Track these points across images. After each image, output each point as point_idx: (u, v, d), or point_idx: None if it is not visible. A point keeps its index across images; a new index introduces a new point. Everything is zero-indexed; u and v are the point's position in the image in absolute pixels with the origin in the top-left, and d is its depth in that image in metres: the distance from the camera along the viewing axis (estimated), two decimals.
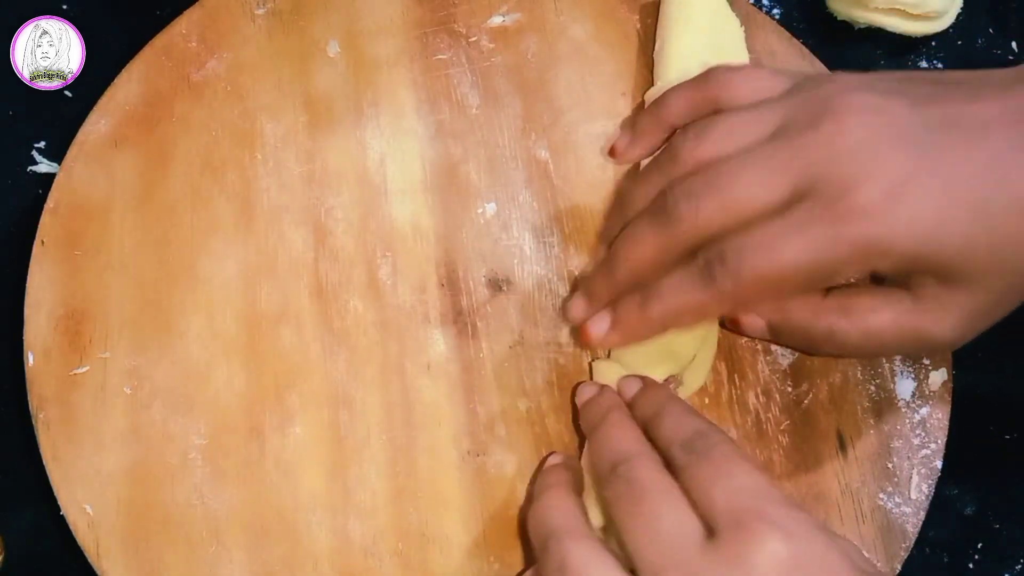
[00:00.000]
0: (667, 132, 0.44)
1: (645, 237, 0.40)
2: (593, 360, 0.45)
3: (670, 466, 0.37)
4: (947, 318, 0.38)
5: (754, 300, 0.42)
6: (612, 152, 0.46)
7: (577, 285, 0.46)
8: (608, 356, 0.45)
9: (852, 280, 0.42)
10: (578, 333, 0.44)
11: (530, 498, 0.42)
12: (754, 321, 0.44)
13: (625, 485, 0.36)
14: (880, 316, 0.39)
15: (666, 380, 0.44)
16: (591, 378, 0.45)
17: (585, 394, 0.43)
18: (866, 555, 0.35)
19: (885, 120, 0.36)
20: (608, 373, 0.44)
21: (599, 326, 0.42)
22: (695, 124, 0.41)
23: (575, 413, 0.44)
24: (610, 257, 0.42)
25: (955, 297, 0.37)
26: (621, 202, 0.43)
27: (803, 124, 0.37)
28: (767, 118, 0.39)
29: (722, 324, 0.45)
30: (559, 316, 0.46)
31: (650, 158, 0.46)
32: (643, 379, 0.43)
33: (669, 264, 0.40)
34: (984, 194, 0.35)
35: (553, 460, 0.43)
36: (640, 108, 0.49)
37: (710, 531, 0.34)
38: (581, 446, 0.43)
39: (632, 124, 0.46)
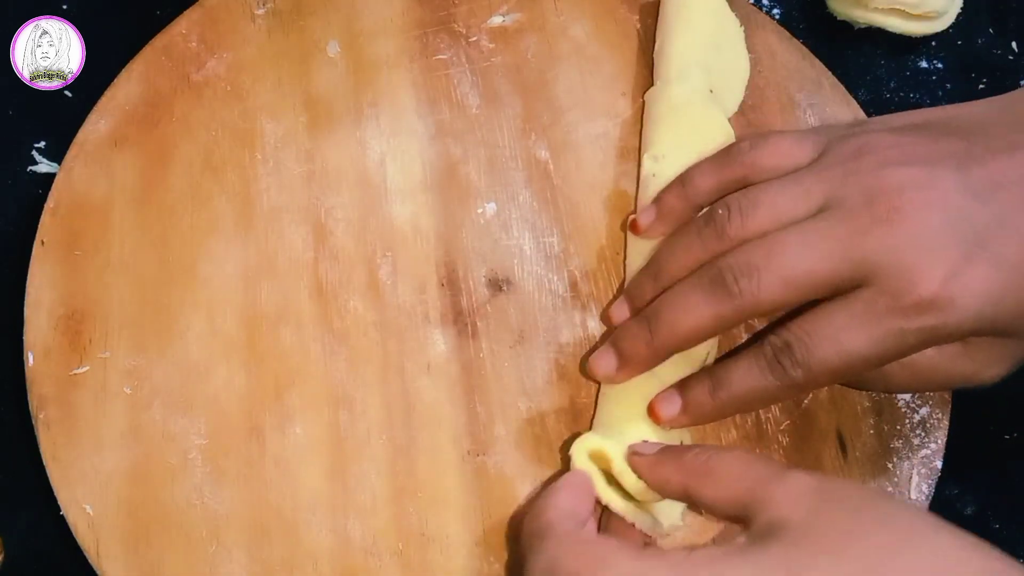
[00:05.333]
0: (694, 211, 0.44)
1: (697, 307, 0.40)
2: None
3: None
4: (996, 364, 0.40)
5: (822, 386, 0.44)
6: (634, 227, 0.45)
7: (601, 341, 0.45)
8: None
9: None
10: (593, 373, 0.43)
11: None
12: None
13: None
14: (930, 359, 0.40)
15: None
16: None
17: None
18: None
19: (936, 197, 0.37)
20: None
21: (669, 408, 0.41)
22: (735, 198, 0.41)
23: (575, 413, 0.44)
24: (650, 322, 0.41)
25: (1006, 346, 0.39)
26: (656, 269, 0.42)
27: (856, 204, 0.38)
28: (810, 190, 0.39)
29: None
30: (558, 316, 0.46)
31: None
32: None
33: (718, 333, 0.41)
34: None
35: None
36: (640, 109, 0.49)
37: None
38: None
39: (657, 201, 0.45)
